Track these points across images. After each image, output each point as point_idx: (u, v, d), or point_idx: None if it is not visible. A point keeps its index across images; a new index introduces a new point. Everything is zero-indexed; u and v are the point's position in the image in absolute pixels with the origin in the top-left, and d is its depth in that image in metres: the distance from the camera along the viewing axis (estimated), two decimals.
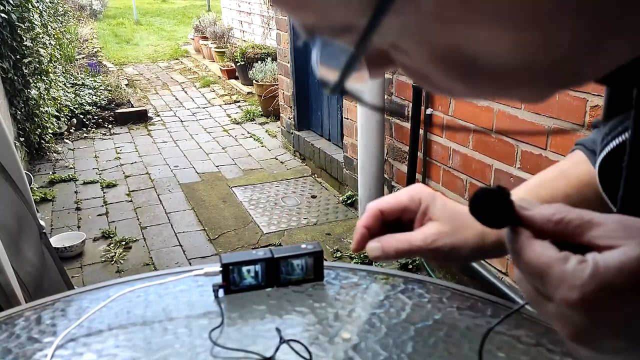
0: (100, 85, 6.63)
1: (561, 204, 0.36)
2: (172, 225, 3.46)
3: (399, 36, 0.29)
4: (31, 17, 4.30)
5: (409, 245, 0.62)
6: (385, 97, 2.96)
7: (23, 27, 4.12)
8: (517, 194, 0.64)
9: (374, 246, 0.64)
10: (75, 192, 4.02)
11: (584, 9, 0.25)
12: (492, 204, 0.36)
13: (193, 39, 9.56)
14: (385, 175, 3.14)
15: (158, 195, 3.93)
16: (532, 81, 0.30)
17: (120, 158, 4.74)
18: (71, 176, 4.29)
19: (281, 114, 4.83)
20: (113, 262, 3.04)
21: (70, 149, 4.97)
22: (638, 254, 0.31)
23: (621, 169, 0.43)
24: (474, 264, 2.43)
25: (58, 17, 7.31)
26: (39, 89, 4.46)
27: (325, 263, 0.93)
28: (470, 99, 0.33)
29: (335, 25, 0.29)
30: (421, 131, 2.71)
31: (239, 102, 6.50)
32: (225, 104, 6.52)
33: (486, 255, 0.66)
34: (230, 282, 0.88)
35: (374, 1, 0.25)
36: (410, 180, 2.83)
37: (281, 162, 4.55)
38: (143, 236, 3.33)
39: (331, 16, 0.28)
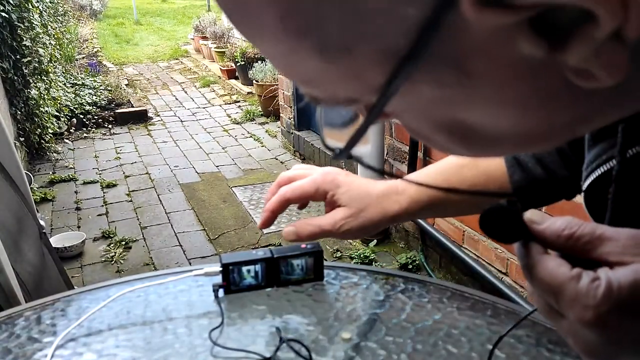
0: (100, 85, 6.63)
1: (572, 217, 0.36)
2: (172, 225, 3.46)
3: (401, 111, 0.31)
4: (31, 17, 4.30)
5: (320, 230, 0.72)
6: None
7: (23, 27, 4.12)
8: (428, 175, 0.73)
9: (289, 230, 0.74)
10: (75, 192, 4.02)
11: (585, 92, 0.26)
12: (502, 220, 0.36)
13: (193, 39, 9.56)
14: (385, 176, 3.14)
15: (158, 195, 3.93)
16: (531, 144, 0.32)
17: (120, 158, 4.74)
18: (71, 176, 4.29)
19: (281, 114, 4.83)
20: (113, 262, 3.04)
21: (70, 149, 4.97)
22: None
23: (605, 195, 0.44)
24: (474, 264, 2.43)
25: (58, 17, 7.31)
26: (39, 89, 4.46)
27: (325, 263, 0.93)
28: (469, 157, 0.35)
29: (340, 99, 0.30)
30: None
31: (239, 102, 6.51)
32: (225, 104, 6.52)
33: (392, 223, 0.74)
34: (230, 282, 0.88)
35: (381, 86, 0.26)
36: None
37: (281, 162, 4.55)
38: (143, 236, 3.33)
39: (338, 93, 0.30)
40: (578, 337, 0.34)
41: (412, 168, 2.80)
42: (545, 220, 0.37)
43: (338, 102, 0.31)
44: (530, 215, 0.37)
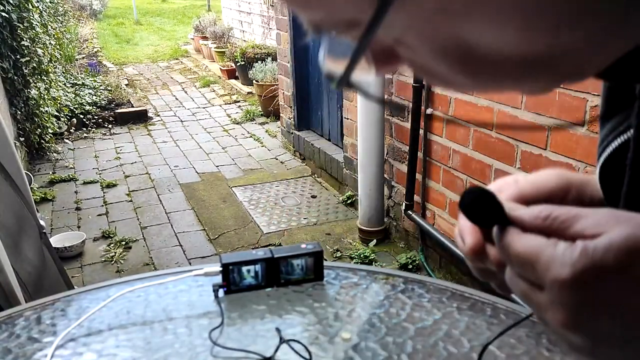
0: (100, 85, 6.63)
1: (548, 205, 0.36)
2: (172, 225, 3.46)
3: (402, 31, 0.29)
4: (31, 17, 4.30)
5: None
6: (386, 97, 2.96)
7: (23, 27, 4.12)
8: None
9: None
10: (75, 192, 4.02)
11: (588, 5, 0.26)
12: (482, 203, 0.37)
13: (193, 39, 9.56)
14: (385, 175, 3.14)
15: (158, 195, 3.93)
16: (534, 73, 0.30)
17: (120, 158, 4.74)
18: (71, 176, 4.29)
19: (281, 114, 4.83)
20: (113, 262, 3.04)
21: (70, 148, 4.97)
22: (625, 234, 0.31)
23: (623, 168, 0.43)
24: None
25: (58, 17, 7.31)
26: (39, 89, 4.46)
27: (325, 263, 0.93)
28: (474, 91, 0.33)
29: (341, 20, 0.29)
30: (421, 131, 2.71)
31: (239, 102, 6.51)
32: (225, 103, 6.52)
33: None
34: (230, 282, 0.88)
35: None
36: (410, 180, 2.83)
37: (281, 162, 4.55)
38: (143, 236, 3.33)
39: (337, 12, 0.29)
40: (556, 305, 0.33)
41: (412, 168, 2.80)
42: (520, 208, 0.37)
43: (339, 27, 0.30)
44: (506, 203, 0.38)
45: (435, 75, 0.32)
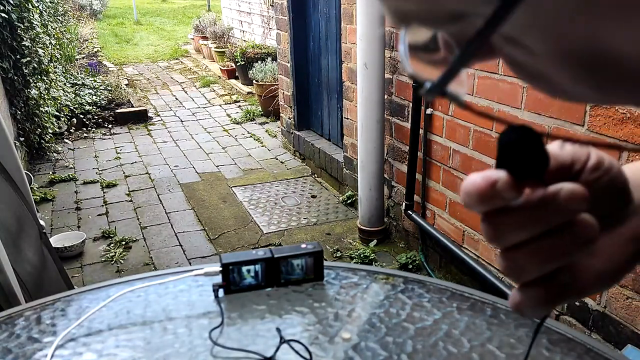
0: (100, 85, 6.63)
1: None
2: (172, 225, 3.46)
3: (522, 30, 0.24)
4: (31, 17, 4.30)
5: None
6: (386, 96, 2.96)
7: (23, 27, 4.12)
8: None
9: None
10: (75, 192, 4.02)
11: None
12: (529, 147, 0.32)
13: (193, 39, 9.56)
14: (385, 175, 3.14)
15: (158, 195, 3.93)
16: None
17: (120, 158, 4.74)
18: (71, 176, 4.29)
19: (281, 114, 4.83)
20: (113, 262, 3.04)
21: (70, 148, 4.97)
22: None
23: None
24: (474, 264, 2.43)
25: (58, 17, 7.31)
26: (39, 89, 4.46)
27: (325, 263, 0.93)
28: (591, 102, 0.28)
29: (441, 14, 0.24)
30: (421, 131, 2.71)
31: (239, 102, 6.51)
32: (225, 103, 6.52)
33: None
34: (230, 282, 0.88)
35: None
36: (410, 180, 2.83)
37: (281, 162, 4.55)
38: (143, 236, 3.33)
39: (440, 3, 0.23)
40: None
41: (412, 168, 2.80)
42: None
43: (438, 20, 0.24)
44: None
45: (549, 82, 0.26)
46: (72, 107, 5.55)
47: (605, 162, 0.37)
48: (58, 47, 6.05)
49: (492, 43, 0.26)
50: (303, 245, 0.92)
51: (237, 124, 5.69)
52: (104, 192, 4.01)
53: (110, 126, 5.66)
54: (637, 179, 0.41)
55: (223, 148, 4.96)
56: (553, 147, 0.36)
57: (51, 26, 5.73)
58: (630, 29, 0.21)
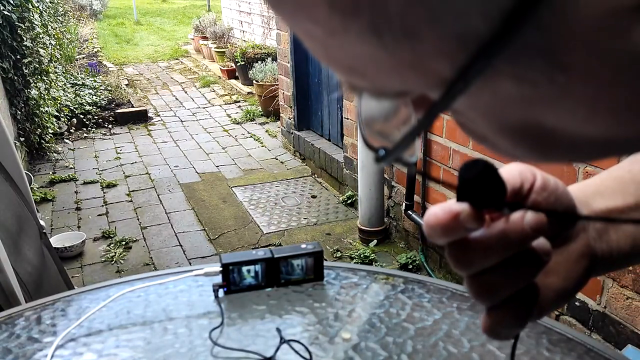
0: (100, 85, 6.63)
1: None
2: (172, 225, 3.46)
3: (465, 108, 0.25)
4: (31, 17, 4.30)
5: None
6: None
7: (23, 27, 4.12)
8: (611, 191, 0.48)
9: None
10: (75, 192, 4.02)
11: None
12: (487, 180, 0.34)
13: (193, 39, 9.56)
14: (385, 175, 3.14)
15: (158, 195, 3.93)
16: (615, 151, 0.27)
17: (120, 158, 4.74)
18: (71, 176, 4.29)
19: (281, 114, 4.83)
20: (113, 262, 3.04)
21: (70, 149, 4.97)
22: None
23: None
24: None
25: (58, 17, 7.31)
26: (39, 89, 4.46)
27: (325, 263, 0.93)
28: (533, 162, 0.30)
29: (389, 91, 0.25)
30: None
31: (239, 102, 6.51)
32: (225, 104, 6.52)
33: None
34: (230, 282, 0.88)
35: (444, 81, 0.21)
36: (410, 180, 2.83)
37: (281, 162, 4.55)
38: (143, 236, 3.33)
39: (388, 84, 0.24)
40: None
41: (412, 168, 2.80)
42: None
43: (385, 94, 0.26)
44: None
45: (492, 145, 0.28)
46: (72, 107, 5.55)
47: (551, 183, 0.40)
48: (58, 47, 6.05)
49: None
50: (303, 246, 0.92)
51: (237, 124, 5.69)
52: (104, 192, 4.01)
53: (110, 126, 5.66)
54: (582, 198, 0.43)
55: (223, 148, 4.96)
56: (503, 171, 0.39)
57: (51, 26, 5.73)
58: (560, 113, 0.23)
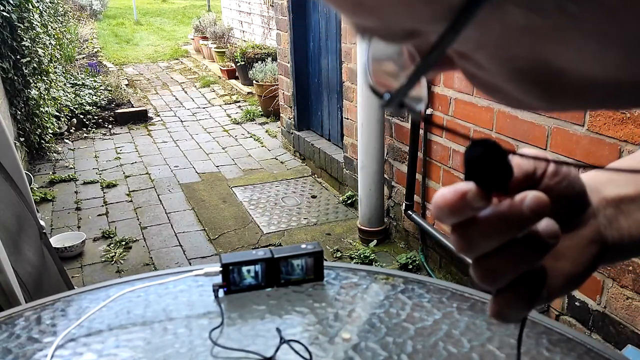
0: (100, 85, 6.63)
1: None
2: (172, 225, 3.46)
3: (472, 47, 0.25)
4: (31, 17, 4.30)
5: None
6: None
7: (23, 27, 4.12)
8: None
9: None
10: (75, 192, 4.02)
11: None
12: (493, 160, 0.34)
13: (193, 39, 9.56)
14: (385, 175, 3.14)
15: (158, 195, 3.93)
16: (624, 97, 0.27)
17: (120, 158, 4.74)
18: (71, 176, 4.29)
19: (281, 114, 4.83)
20: (113, 262, 3.04)
21: (70, 149, 4.97)
22: None
23: None
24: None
25: (58, 17, 7.31)
26: (39, 89, 4.46)
27: (325, 263, 0.93)
28: (543, 111, 0.30)
29: (397, 30, 0.25)
30: (421, 131, 2.71)
31: (239, 102, 6.51)
32: (225, 104, 6.52)
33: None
34: (230, 282, 0.88)
35: (453, 9, 0.21)
36: (410, 180, 2.83)
37: (281, 162, 4.55)
38: (143, 236, 3.33)
39: (395, 21, 0.24)
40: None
41: (412, 168, 2.80)
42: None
43: (394, 35, 0.25)
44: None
45: (502, 95, 0.28)
46: (72, 107, 5.55)
47: (563, 168, 0.41)
48: (58, 47, 6.06)
49: (449, 56, 0.28)
50: (303, 246, 0.92)
51: (237, 124, 5.69)
52: (104, 192, 4.01)
53: (110, 126, 5.66)
54: (593, 185, 0.44)
55: (223, 148, 4.96)
56: (517, 158, 0.39)
57: (51, 26, 5.73)
58: (569, 49, 0.23)
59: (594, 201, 0.43)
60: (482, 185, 0.34)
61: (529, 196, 0.35)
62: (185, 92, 7.19)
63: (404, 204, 2.92)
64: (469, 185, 0.35)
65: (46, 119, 4.59)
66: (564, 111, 0.29)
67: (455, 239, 0.37)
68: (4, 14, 3.83)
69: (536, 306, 0.40)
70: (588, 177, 0.44)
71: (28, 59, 4.22)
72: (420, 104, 0.29)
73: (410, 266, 2.89)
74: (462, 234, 0.37)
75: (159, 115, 6.11)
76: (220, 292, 0.88)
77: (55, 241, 3.07)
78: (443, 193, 0.35)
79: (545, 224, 0.36)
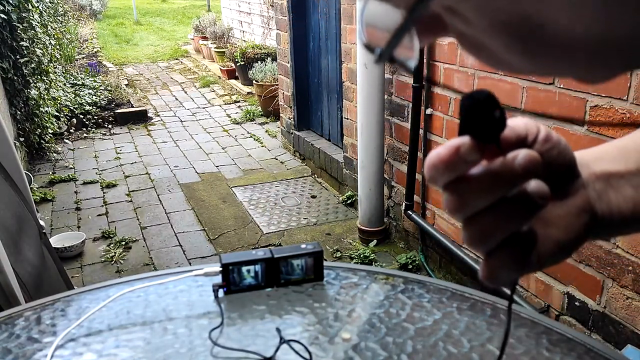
0: (100, 85, 6.63)
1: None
2: (172, 225, 3.46)
3: (459, 2, 0.26)
4: (31, 18, 4.30)
5: None
6: (385, 97, 2.96)
7: (22, 27, 4.12)
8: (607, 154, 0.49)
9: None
10: (75, 192, 4.02)
11: None
12: (488, 111, 0.35)
13: (193, 39, 9.56)
14: (385, 175, 3.14)
15: (158, 195, 3.93)
16: (608, 57, 0.26)
17: (120, 158, 4.74)
18: (71, 176, 4.29)
19: (281, 114, 4.83)
20: (113, 262, 3.04)
21: (70, 149, 4.97)
22: None
23: None
24: (474, 264, 2.43)
25: (58, 17, 7.31)
26: (39, 89, 4.46)
27: (325, 263, 0.93)
28: (528, 74, 0.30)
29: None
30: (421, 131, 2.71)
31: (238, 102, 6.51)
32: (225, 104, 6.52)
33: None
34: (230, 282, 0.88)
35: None
36: (410, 180, 2.83)
37: (281, 162, 4.55)
38: (143, 236, 3.33)
39: None
40: None
41: (412, 168, 2.80)
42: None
43: None
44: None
45: (487, 53, 0.28)
46: (72, 107, 5.55)
47: (554, 136, 0.41)
48: (58, 47, 6.06)
49: (439, 17, 0.29)
50: (303, 246, 0.92)
51: (237, 124, 5.69)
52: (103, 192, 4.01)
53: (110, 126, 5.66)
54: (583, 160, 0.45)
55: (223, 148, 4.96)
56: (510, 120, 0.40)
57: (51, 26, 5.73)
58: (547, 2, 0.23)
59: (584, 175, 0.44)
60: (476, 136, 0.35)
61: (521, 153, 0.36)
62: (185, 92, 7.19)
63: (403, 204, 2.92)
64: (462, 140, 0.35)
65: (46, 119, 4.59)
66: (549, 74, 0.30)
67: (447, 199, 0.38)
68: (3, 15, 3.83)
69: (527, 271, 0.40)
70: (577, 154, 0.45)
71: (28, 58, 4.22)
72: (412, 60, 0.30)
73: (410, 266, 2.89)
74: (455, 192, 0.37)
75: (158, 115, 6.10)
76: (220, 292, 0.88)
77: (55, 241, 3.07)
78: (436, 151, 0.36)
79: (535, 185, 0.37)
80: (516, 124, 0.40)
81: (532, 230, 0.39)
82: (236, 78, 6.96)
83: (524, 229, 0.39)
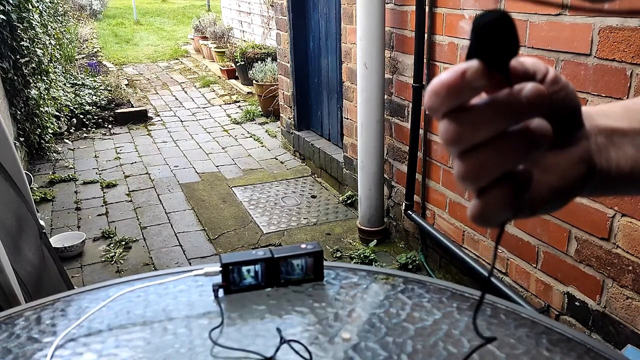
0: (100, 85, 6.63)
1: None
2: (172, 225, 3.46)
3: None
4: (31, 17, 4.30)
5: None
6: (386, 97, 2.96)
7: (22, 27, 4.12)
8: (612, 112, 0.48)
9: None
10: (75, 192, 4.02)
11: None
12: (502, 33, 0.32)
13: (193, 39, 9.56)
14: (385, 175, 3.14)
15: (158, 195, 3.93)
16: None
17: (120, 158, 4.74)
18: (71, 176, 4.29)
19: (281, 114, 4.83)
20: (113, 262, 3.04)
21: (70, 149, 4.97)
22: None
23: None
24: (474, 264, 2.43)
25: (58, 17, 7.31)
26: (39, 89, 4.46)
27: (325, 263, 0.93)
28: None
29: None
30: (421, 131, 2.71)
31: (238, 102, 6.51)
32: (225, 104, 6.52)
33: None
34: (230, 282, 0.88)
35: None
36: (410, 180, 2.83)
37: (281, 162, 4.55)
38: (143, 236, 3.33)
39: None
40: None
41: (412, 168, 2.80)
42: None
43: None
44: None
45: None
46: (72, 107, 5.55)
47: (562, 79, 0.40)
48: (58, 47, 6.05)
49: None
50: (303, 246, 0.92)
51: (237, 124, 5.69)
52: (103, 192, 4.01)
53: (110, 126, 5.66)
54: (587, 113, 0.44)
55: (223, 148, 4.96)
56: (518, 57, 0.38)
57: (51, 26, 5.73)
58: None
59: (587, 126, 0.43)
60: (485, 60, 0.33)
61: (528, 86, 0.34)
62: (185, 92, 7.19)
63: (403, 204, 2.92)
64: (470, 63, 0.33)
65: (46, 118, 4.59)
66: None
67: (445, 127, 0.36)
68: (2, 16, 3.83)
69: (518, 213, 0.38)
70: (584, 107, 0.44)
71: (28, 58, 4.22)
72: None
73: (410, 266, 2.89)
74: (454, 121, 0.35)
75: (158, 115, 6.10)
76: (220, 292, 0.88)
77: (55, 241, 3.07)
78: (441, 77, 0.34)
79: (538, 122, 0.36)
80: (525, 60, 0.39)
81: (527, 171, 0.38)
82: (236, 78, 6.96)
83: (519, 168, 0.38)
